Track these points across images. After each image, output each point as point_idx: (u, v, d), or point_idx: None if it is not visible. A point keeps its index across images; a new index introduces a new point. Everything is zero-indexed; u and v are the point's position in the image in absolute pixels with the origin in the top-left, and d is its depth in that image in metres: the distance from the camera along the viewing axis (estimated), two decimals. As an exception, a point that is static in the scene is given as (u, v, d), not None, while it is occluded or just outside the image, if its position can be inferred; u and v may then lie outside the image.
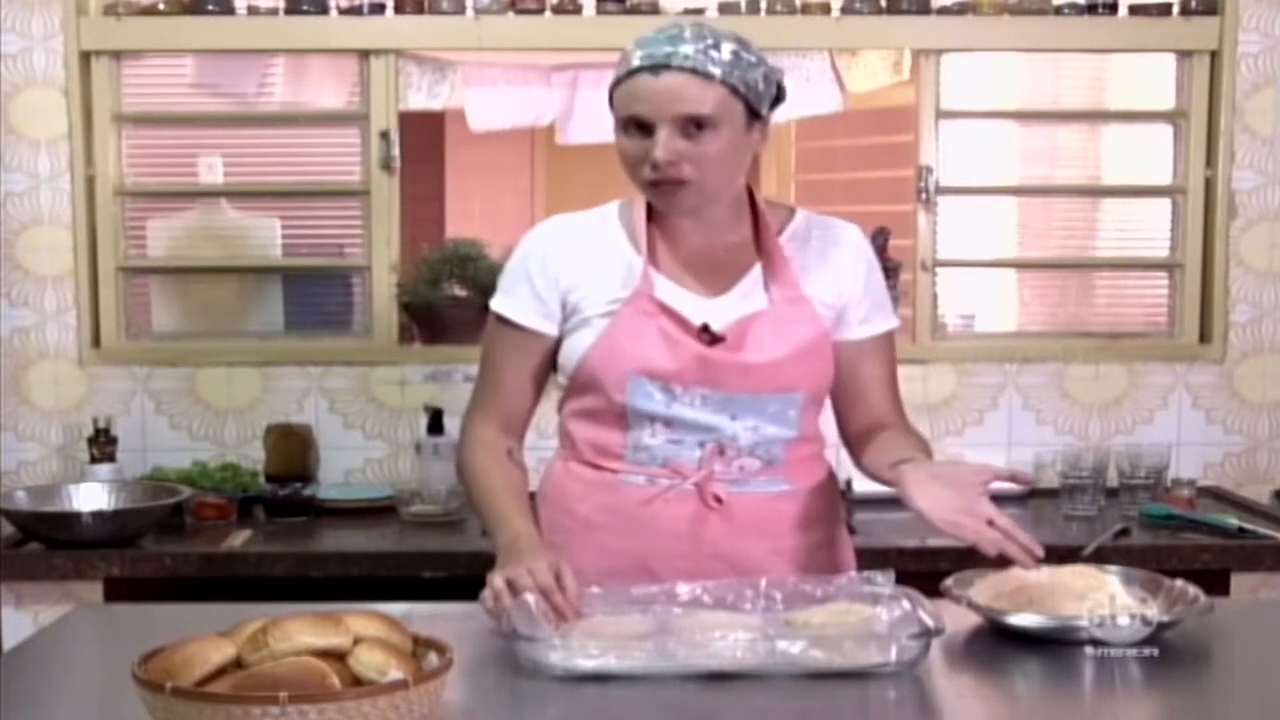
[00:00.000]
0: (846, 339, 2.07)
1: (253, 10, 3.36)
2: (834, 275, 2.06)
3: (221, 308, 3.56)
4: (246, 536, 2.98)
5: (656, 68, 1.91)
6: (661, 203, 1.98)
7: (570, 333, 2.03)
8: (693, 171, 1.92)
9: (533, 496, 2.13)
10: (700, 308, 2.00)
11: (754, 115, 1.97)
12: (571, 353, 2.03)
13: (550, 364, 2.09)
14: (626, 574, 1.92)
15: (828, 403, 2.12)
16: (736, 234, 2.05)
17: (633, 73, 1.93)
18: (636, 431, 2.00)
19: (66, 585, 2.83)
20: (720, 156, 1.93)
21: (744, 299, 2.02)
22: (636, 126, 1.93)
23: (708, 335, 1.98)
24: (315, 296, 3.59)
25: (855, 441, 2.12)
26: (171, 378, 3.40)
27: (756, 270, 2.04)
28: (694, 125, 1.91)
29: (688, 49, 1.91)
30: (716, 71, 1.91)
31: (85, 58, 3.34)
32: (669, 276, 2.02)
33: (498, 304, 2.09)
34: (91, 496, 3.00)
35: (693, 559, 1.97)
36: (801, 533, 2.05)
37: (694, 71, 1.90)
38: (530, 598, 1.76)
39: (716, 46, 1.93)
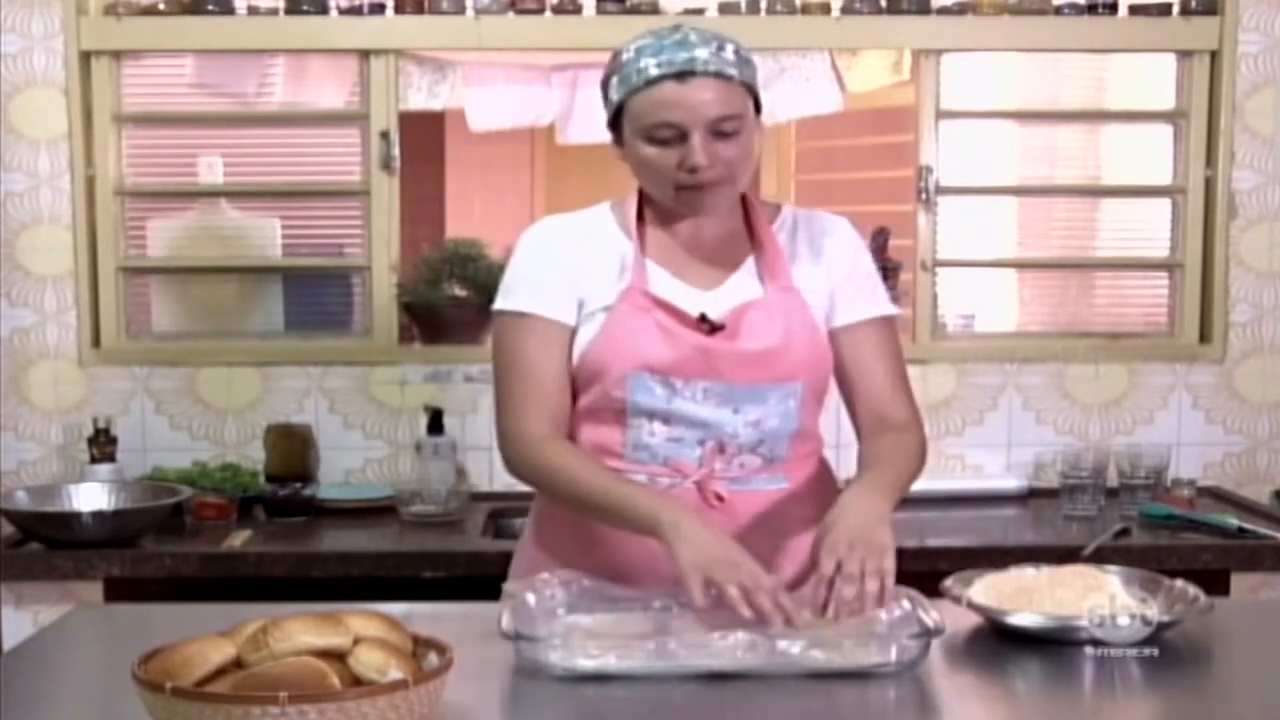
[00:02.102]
0: (838, 325, 2.06)
1: (253, 10, 3.36)
2: (822, 264, 2.07)
3: (221, 308, 3.56)
4: (246, 536, 2.98)
5: (682, 74, 1.92)
6: (691, 206, 1.99)
7: (577, 328, 2.03)
8: (726, 172, 1.95)
9: (530, 496, 2.13)
10: (696, 299, 2.01)
11: (757, 110, 2.01)
12: (575, 349, 2.03)
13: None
14: (629, 573, 1.91)
15: (828, 404, 2.12)
16: (728, 226, 2.07)
17: (653, 81, 1.92)
18: (636, 429, 2.00)
19: (66, 585, 2.83)
20: (744, 154, 1.97)
21: (739, 289, 2.03)
22: (663, 136, 1.93)
23: (706, 324, 1.99)
24: (315, 296, 3.59)
25: (861, 440, 2.09)
26: (171, 378, 3.40)
27: (750, 261, 2.05)
28: (721, 128, 1.93)
29: (703, 53, 1.93)
30: (735, 73, 1.94)
31: (85, 58, 3.34)
32: (663, 270, 2.03)
33: (520, 303, 2.03)
34: (91, 496, 3.00)
35: None
36: (804, 530, 2.04)
37: (718, 75, 1.93)
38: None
39: (723, 48, 1.95)
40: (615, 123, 2.01)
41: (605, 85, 2.01)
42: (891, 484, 1.96)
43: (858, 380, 2.08)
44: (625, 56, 1.96)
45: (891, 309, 2.14)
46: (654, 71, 1.92)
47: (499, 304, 2.06)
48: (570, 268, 2.03)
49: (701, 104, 1.91)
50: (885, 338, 2.11)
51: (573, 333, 2.02)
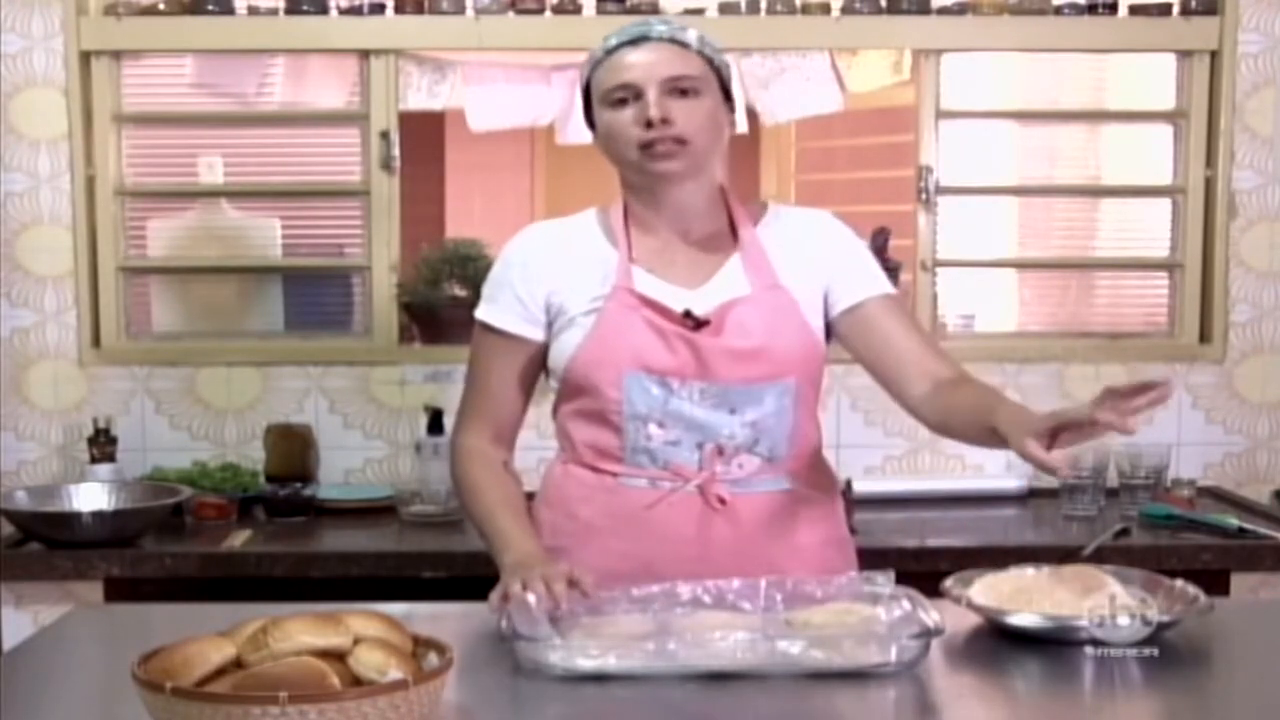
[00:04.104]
0: (845, 308, 2.06)
1: (253, 10, 3.36)
2: (808, 261, 2.08)
3: (221, 308, 3.56)
4: (246, 536, 2.98)
5: (636, 40, 2.02)
6: (656, 165, 2.00)
7: (557, 335, 2.05)
8: (686, 129, 1.98)
9: (531, 496, 2.14)
10: (681, 297, 2.02)
11: (726, 96, 2.06)
12: (561, 354, 2.04)
13: (538, 369, 2.10)
14: (631, 577, 1.90)
15: (825, 403, 2.13)
16: (712, 225, 2.08)
17: (611, 51, 2.02)
18: (633, 433, 2.00)
19: (66, 585, 2.83)
20: (707, 120, 2.01)
21: (724, 287, 2.04)
22: (620, 99, 2.00)
23: (691, 320, 2.00)
24: (315, 296, 3.59)
25: (925, 406, 2.02)
26: (171, 378, 3.40)
27: (735, 260, 2.06)
28: (679, 90, 1.99)
29: (661, 27, 2.04)
30: (692, 42, 2.03)
31: (85, 58, 3.34)
32: (648, 270, 2.04)
33: (482, 313, 2.11)
34: (91, 496, 3.00)
35: (700, 561, 1.96)
36: (806, 531, 2.05)
37: (672, 40, 2.02)
38: (531, 597, 1.76)
39: (685, 29, 2.05)
40: (589, 109, 2.08)
41: (582, 77, 2.10)
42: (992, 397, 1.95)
43: (894, 350, 2.03)
44: (595, 49, 2.07)
45: (892, 289, 2.12)
46: (612, 42, 2.03)
47: (477, 309, 2.13)
48: (546, 277, 2.05)
49: (654, 63, 1.99)
50: (899, 308, 2.12)
51: (539, 347, 2.07)
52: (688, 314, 2.00)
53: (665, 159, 1.98)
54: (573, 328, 2.02)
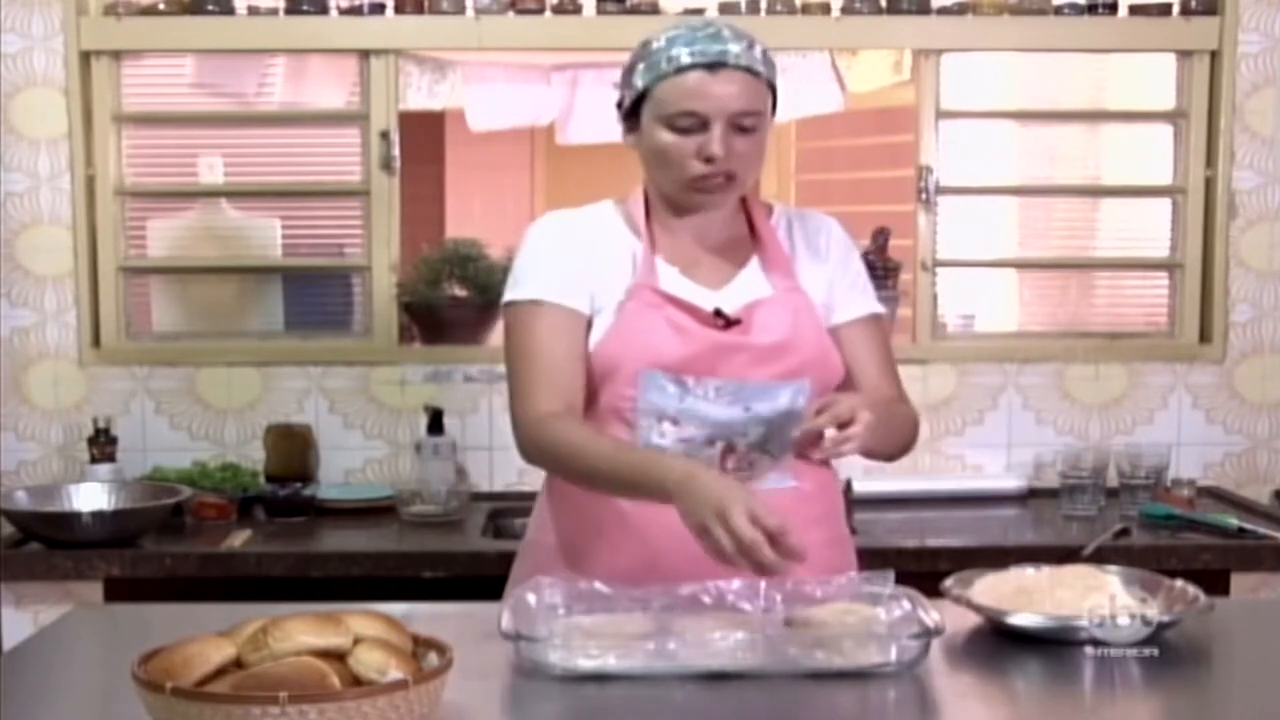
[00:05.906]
0: (835, 323, 2.09)
1: (253, 10, 3.36)
2: (820, 264, 2.09)
3: (221, 308, 3.56)
4: (246, 536, 2.98)
5: (714, 65, 1.94)
6: (702, 199, 2.00)
7: (591, 318, 2.03)
8: (740, 166, 1.97)
9: (534, 496, 2.13)
10: (708, 297, 2.02)
11: (773, 110, 2.04)
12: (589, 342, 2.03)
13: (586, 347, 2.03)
14: (640, 575, 1.89)
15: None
16: (732, 228, 2.08)
17: (684, 69, 1.94)
18: (646, 430, 2.00)
19: (66, 585, 2.83)
20: (759, 152, 2.00)
21: (747, 287, 2.05)
22: (684, 124, 1.95)
23: (722, 319, 2.00)
24: (315, 296, 3.58)
25: None
26: (171, 378, 3.40)
27: (754, 261, 2.07)
28: (742, 126, 1.95)
29: (735, 48, 1.95)
30: (763, 70, 1.97)
31: (85, 58, 3.34)
32: (673, 268, 2.04)
33: (530, 291, 2.01)
34: (91, 496, 3.00)
35: (706, 559, 1.95)
36: (813, 529, 2.04)
37: (747, 70, 1.95)
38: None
39: (752, 46, 1.98)
40: (633, 112, 2.01)
41: (629, 72, 2.01)
42: (881, 412, 1.94)
43: (856, 375, 2.10)
44: (656, 45, 1.98)
45: (879, 307, 2.17)
46: (686, 59, 1.94)
47: (509, 295, 2.05)
48: (582, 261, 2.03)
49: (728, 96, 1.94)
50: (878, 333, 2.15)
51: (588, 321, 2.01)
52: (718, 313, 2.00)
53: (712, 192, 1.99)
54: (598, 318, 2.01)
